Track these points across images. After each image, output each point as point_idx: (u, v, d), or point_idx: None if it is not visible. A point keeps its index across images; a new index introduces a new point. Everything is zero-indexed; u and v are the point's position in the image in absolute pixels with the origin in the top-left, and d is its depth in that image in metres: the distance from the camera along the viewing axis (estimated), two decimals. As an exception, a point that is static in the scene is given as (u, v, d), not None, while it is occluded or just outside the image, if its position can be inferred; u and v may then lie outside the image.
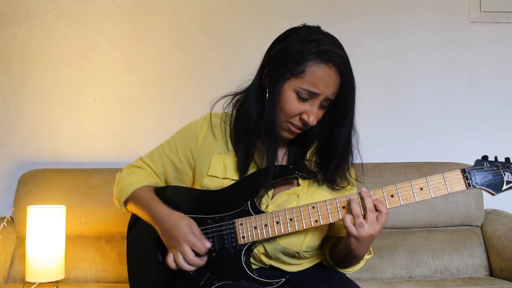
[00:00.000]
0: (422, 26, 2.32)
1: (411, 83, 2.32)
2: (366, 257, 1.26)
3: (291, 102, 1.15)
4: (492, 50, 2.33)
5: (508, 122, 2.33)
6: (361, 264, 1.27)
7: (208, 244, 1.16)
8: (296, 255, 1.22)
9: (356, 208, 1.11)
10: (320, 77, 1.12)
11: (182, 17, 2.27)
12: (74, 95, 2.24)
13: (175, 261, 1.16)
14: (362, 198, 1.12)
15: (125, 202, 1.29)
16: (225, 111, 1.31)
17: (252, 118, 1.21)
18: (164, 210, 1.21)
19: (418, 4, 2.32)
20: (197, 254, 1.15)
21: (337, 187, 1.24)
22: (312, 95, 1.14)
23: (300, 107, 1.15)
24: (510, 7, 2.32)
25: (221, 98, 1.30)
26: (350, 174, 1.27)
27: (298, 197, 1.22)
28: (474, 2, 2.31)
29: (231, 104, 1.29)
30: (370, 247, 1.26)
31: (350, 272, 1.29)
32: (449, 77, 2.33)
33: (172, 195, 1.27)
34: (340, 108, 1.18)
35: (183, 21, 2.27)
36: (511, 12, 2.32)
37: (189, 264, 1.15)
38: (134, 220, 1.32)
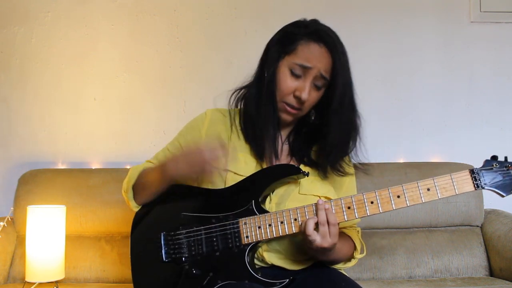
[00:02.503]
0: (422, 26, 2.32)
1: (411, 83, 2.32)
2: (358, 256, 1.27)
3: (284, 80, 1.21)
4: (492, 50, 2.33)
5: (508, 122, 2.33)
6: (352, 262, 1.28)
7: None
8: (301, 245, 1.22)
9: (310, 226, 1.08)
10: (311, 53, 1.19)
11: (182, 17, 2.27)
12: (74, 95, 2.23)
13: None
14: (316, 210, 1.11)
15: (134, 199, 1.30)
16: (230, 106, 1.34)
17: (255, 99, 1.25)
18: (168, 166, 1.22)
19: (418, 4, 2.32)
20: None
21: (341, 173, 1.28)
22: (305, 70, 1.19)
23: (292, 84, 1.20)
24: (510, 7, 2.32)
25: (233, 93, 1.33)
26: (348, 162, 1.31)
27: (300, 183, 1.24)
28: (474, 2, 2.31)
29: (235, 99, 1.33)
30: (364, 247, 1.29)
31: (342, 268, 1.30)
32: (449, 77, 2.32)
33: (176, 194, 1.27)
34: (334, 91, 1.20)
35: (183, 21, 2.27)
36: (511, 12, 2.32)
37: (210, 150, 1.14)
38: (138, 220, 1.32)
